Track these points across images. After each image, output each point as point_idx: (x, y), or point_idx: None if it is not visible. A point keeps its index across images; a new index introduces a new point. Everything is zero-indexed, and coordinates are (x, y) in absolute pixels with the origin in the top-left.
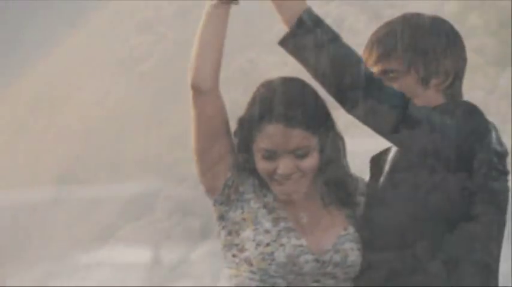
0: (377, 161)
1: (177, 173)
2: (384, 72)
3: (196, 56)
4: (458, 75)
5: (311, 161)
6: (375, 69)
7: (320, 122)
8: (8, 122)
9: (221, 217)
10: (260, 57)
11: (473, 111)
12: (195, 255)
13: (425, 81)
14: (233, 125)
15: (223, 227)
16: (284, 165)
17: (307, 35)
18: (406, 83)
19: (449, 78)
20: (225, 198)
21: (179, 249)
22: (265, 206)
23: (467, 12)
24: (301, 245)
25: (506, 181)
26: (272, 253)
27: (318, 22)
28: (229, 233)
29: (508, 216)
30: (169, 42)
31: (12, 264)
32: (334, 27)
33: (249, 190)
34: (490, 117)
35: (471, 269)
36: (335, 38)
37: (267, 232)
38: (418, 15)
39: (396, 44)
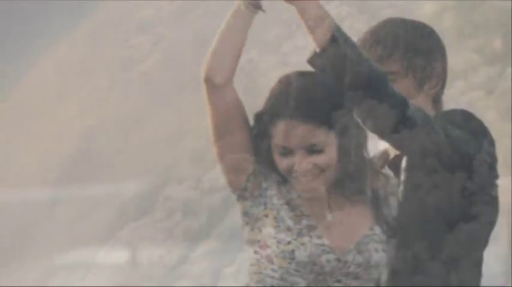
0: (394, 163)
1: (177, 173)
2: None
3: (213, 52)
4: (445, 81)
5: (328, 157)
6: None
7: (335, 117)
8: (8, 122)
9: (245, 213)
10: (260, 57)
11: (471, 116)
12: (195, 255)
13: (420, 85)
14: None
15: (247, 223)
16: (299, 162)
17: (338, 53)
18: (403, 86)
19: (440, 82)
20: (248, 193)
21: (179, 249)
22: (288, 203)
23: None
24: (322, 244)
25: (498, 184)
26: (293, 252)
27: (347, 39)
28: (252, 229)
29: (508, 216)
30: (169, 42)
31: (11, 263)
32: None
33: (273, 186)
34: (490, 117)
35: (471, 269)
36: (360, 53)
37: (288, 229)
38: (405, 19)
39: (397, 46)
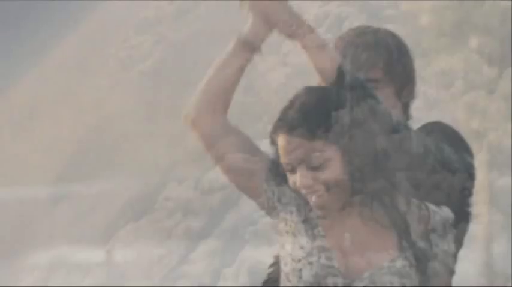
0: None
1: (177, 173)
2: (366, 81)
3: (199, 95)
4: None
5: (331, 173)
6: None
7: (339, 131)
8: (8, 121)
9: (274, 229)
10: (260, 57)
11: (451, 129)
12: (195, 255)
13: (399, 93)
14: (236, 124)
15: (278, 241)
16: (299, 178)
17: (344, 85)
18: (384, 94)
19: (413, 91)
20: (272, 210)
21: (179, 249)
22: (305, 221)
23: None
24: (330, 266)
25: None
26: (300, 270)
27: (350, 73)
28: (280, 246)
29: (508, 216)
30: (169, 42)
31: (11, 263)
32: (334, 27)
33: (292, 202)
34: (490, 117)
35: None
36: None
37: (301, 247)
38: (379, 28)
39: (381, 53)
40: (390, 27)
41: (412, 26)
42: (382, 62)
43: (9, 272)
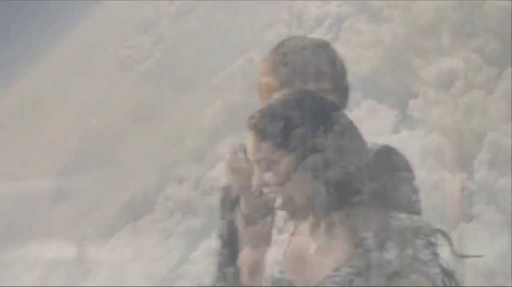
0: None
1: (177, 173)
2: (318, 91)
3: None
4: None
5: (273, 175)
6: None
7: (293, 139)
8: (8, 122)
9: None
10: (260, 57)
11: (402, 157)
12: (195, 255)
13: (341, 103)
14: (236, 124)
15: None
16: (253, 176)
17: None
18: None
19: (347, 103)
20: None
21: (179, 249)
22: (276, 241)
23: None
24: (282, 279)
25: None
26: (263, 282)
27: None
28: None
29: (508, 216)
30: (169, 42)
31: (10, 262)
32: (334, 27)
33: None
34: (490, 117)
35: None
36: None
37: (267, 263)
38: (314, 39)
39: (329, 63)
40: (390, 26)
41: (412, 26)
42: (330, 72)
43: (9, 271)
